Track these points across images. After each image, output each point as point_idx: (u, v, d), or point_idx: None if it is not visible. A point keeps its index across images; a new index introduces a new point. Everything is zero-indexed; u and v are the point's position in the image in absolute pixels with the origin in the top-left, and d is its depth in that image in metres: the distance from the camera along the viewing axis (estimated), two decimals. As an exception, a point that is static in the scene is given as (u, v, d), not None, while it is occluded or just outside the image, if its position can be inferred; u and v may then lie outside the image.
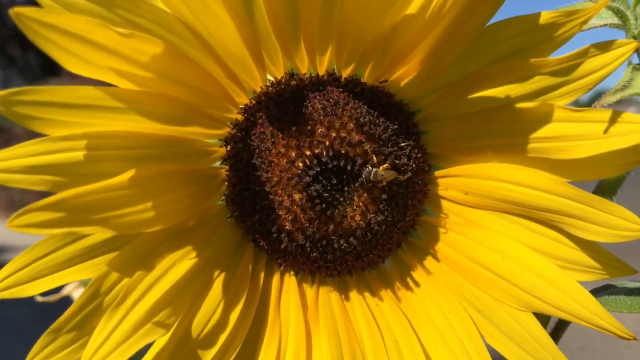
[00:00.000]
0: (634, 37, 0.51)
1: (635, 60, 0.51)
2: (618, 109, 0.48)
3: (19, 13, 0.37)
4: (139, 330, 0.43)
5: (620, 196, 0.53)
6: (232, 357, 0.48)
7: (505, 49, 0.48)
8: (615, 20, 0.52)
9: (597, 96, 0.54)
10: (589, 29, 0.50)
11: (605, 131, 0.46)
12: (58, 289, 0.81)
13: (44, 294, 0.81)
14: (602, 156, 0.47)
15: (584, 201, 0.47)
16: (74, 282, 0.82)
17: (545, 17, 0.45)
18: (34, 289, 0.44)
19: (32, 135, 0.43)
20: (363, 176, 0.50)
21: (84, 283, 0.81)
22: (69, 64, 0.40)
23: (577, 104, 0.49)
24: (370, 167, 0.50)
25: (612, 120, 0.46)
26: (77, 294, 0.83)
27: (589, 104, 0.53)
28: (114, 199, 0.42)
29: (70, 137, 0.42)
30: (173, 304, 0.45)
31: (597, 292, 0.53)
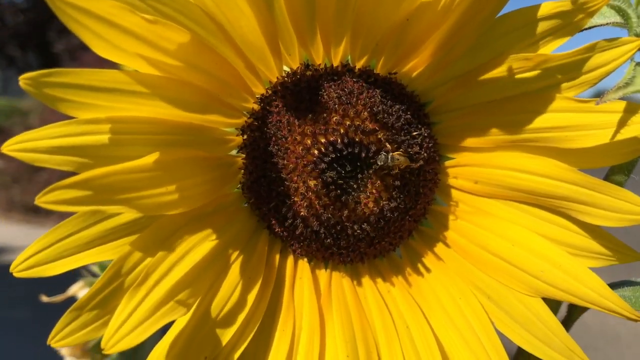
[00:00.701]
0: (637, 35, 0.52)
1: (637, 58, 0.52)
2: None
3: (52, -5, 0.38)
4: (159, 309, 0.44)
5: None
6: (250, 338, 0.49)
7: (514, 40, 0.49)
8: (617, 18, 0.53)
9: (596, 95, 0.56)
10: (591, 27, 0.52)
11: (612, 121, 0.47)
12: (63, 290, 0.82)
13: (49, 295, 0.82)
14: (607, 145, 0.48)
15: (592, 187, 0.48)
16: (79, 283, 0.83)
17: (554, 7, 0.47)
18: (55, 269, 0.45)
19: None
20: (379, 162, 0.51)
21: (88, 283, 0.82)
22: (98, 48, 0.41)
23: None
24: (385, 153, 0.51)
25: (619, 111, 0.47)
26: (82, 294, 0.83)
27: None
28: (138, 181, 0.43)
29: (95, 121, 0.43)
30: (193, 284, 0.46)
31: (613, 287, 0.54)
